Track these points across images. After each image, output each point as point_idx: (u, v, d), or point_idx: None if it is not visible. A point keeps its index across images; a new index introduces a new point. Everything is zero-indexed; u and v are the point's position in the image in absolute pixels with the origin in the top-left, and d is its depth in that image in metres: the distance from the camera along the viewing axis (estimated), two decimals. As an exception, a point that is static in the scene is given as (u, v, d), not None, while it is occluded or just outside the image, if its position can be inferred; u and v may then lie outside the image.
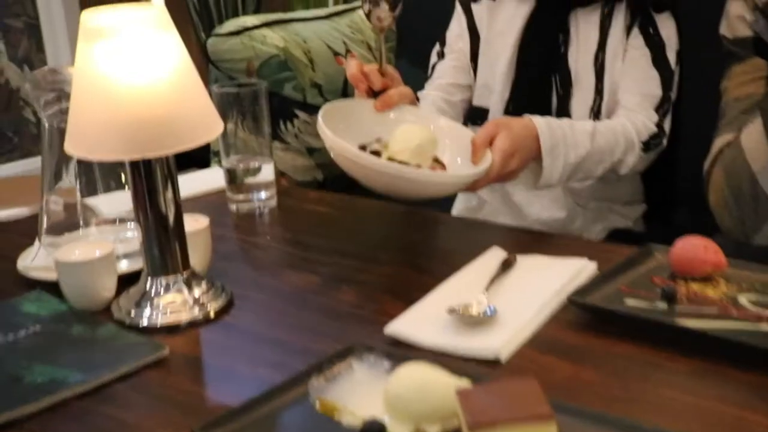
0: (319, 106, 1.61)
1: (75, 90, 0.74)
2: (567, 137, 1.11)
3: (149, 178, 0.78)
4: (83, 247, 0.86)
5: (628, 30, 1.21)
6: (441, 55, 1.34)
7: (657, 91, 1.20)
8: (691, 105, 1.27)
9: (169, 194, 0.79)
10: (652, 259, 0.89)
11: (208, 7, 2.02)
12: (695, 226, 0.98)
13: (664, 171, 1.29)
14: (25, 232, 1.05)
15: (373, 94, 1.10)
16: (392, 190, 0.98)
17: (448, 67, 1.33)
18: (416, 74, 1.36)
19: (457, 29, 1.33)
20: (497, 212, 1.29)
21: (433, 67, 1.35)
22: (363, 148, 1.02)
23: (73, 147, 0.75)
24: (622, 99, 1.21)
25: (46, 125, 0.90)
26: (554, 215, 1.26)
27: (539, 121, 1.10)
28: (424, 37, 1.44)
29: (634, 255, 0.90)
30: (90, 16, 0.73)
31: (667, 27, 1.22)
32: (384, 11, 1.09)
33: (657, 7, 1.21)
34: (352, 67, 1.10)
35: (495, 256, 0.93)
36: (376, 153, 1.00)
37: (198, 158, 1.24)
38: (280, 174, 1.59)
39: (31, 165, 3.60)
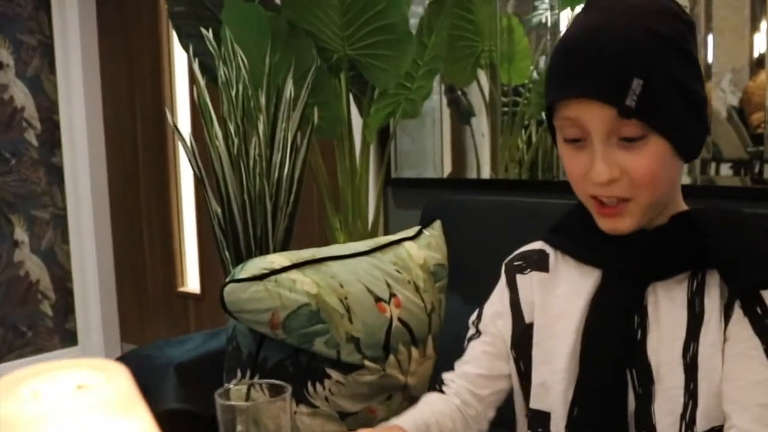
0: (356, 364, 1.35)
1: None
2: None
3: None
4: None
5: (726, 311, 0.92)
6: (476, 330, 1.09)
7: None
8: None
9: None
10: None
11: (235, 226, 1.80)
12: None
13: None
14: None
15: None
16: None
17: (479, 352, 1.08)
18: (469, 312, 1.12)
19: (497, 305, 1.08)
20: None
21: (468, 340, 1.10)
22: None
23: None
24: (732, 415, 0.90)
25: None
26: None
27: None
28: (480, 272, 1.19)
29: None
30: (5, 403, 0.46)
31: None
32: None
33: (763, 284, 0.92)
34: None
35: None
36: None
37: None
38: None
39: (44, 361, 3.36)
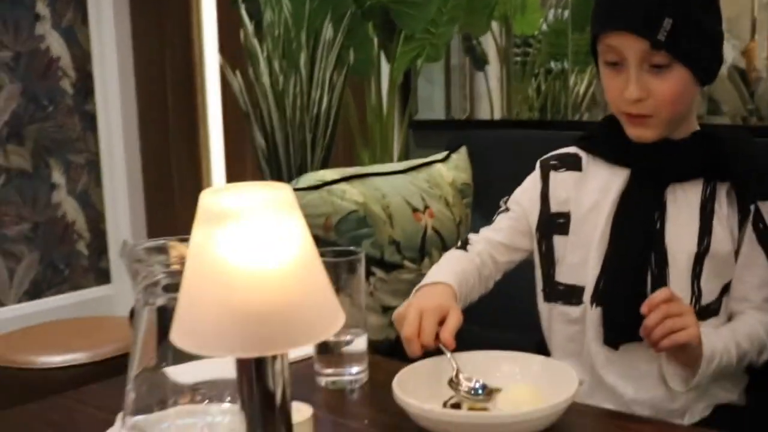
0: (396, 263, 1.56)
1: (189, 276, 0.68)
2: (727, 346, 1.09)
3: (260, 365, 0.70)
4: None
5: (740, 224, 1.16)
6: (505, 207, 1.30)
7: None
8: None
9: (279, 369, 0.70)
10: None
11: (278, 157, 2.01)
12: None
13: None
14: (103, 406, 0.97)
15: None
16: None
17: (505, 225, 1.29)
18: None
19: (529, 192, 1.29)
20: (592, 392, 1.19)
21: (497, 214, 1.31)
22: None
23: (180, 339, 0.68)
24: (748, 294, 1.17)
25: (141, 300, 0.84)
26: (653, 395, 1.16)
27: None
28: (500, 194, 1.40)
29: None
30: (211, 197, 0.67)
31: None
32: None
33: (764, 196, 1.16)
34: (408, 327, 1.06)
35: None
36: (456, 406, 0.97)
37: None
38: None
39: (79, 298, 3.58)
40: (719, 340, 1.10)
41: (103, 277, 3.71)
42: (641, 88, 1.12)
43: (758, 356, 1.14)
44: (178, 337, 0.69)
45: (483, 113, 2.56)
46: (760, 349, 1.14)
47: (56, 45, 3.43)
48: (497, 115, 2.52)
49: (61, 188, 3.52)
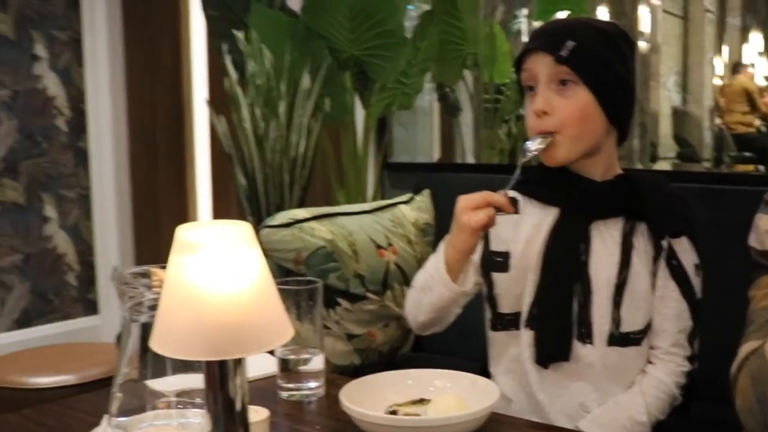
0: (360, 295, 1.72)
1: (165, 295, 0.84)
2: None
3: (223, 370, 0.85)
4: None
5: (654, 260, 1.31)
6: None
7: (688, 322, 1.31)
8: (712, 298, 1.36)
9: (239, 381, 0.86)
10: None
11: (257, 196, 2.17)
12: (714, 420, 1.03)
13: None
14: (91, 411, 1.12)
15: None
16: None
17: None
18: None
19: None
20: (525, 409, 1.33)
21: None
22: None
23: (158, 345, 0.84)
24: (658, 339, 1.32)
25: (127, 317, 1.00)
26: (576, 410, 1.31)
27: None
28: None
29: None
30: (184, 232, 0.83)
31: (686, 250, 1.32)
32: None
33: (674, 234, 1.32)
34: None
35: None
36: (393, 413, 1.13)
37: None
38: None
39: (68, 327, 3.71)
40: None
41: (91, 307, 3.85)
42: (546, 102, 1.28)
43: (670, 407, 1.31)
44: (156, 344, 0.85)
45: (455, 156, 2.73)
46: (671, 402, 1.31)
47: (52, 85, 3.61)
48: (469, 159, 2.69)
49: (53, 221, 3.67)
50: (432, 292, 1.35)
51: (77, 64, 3.68)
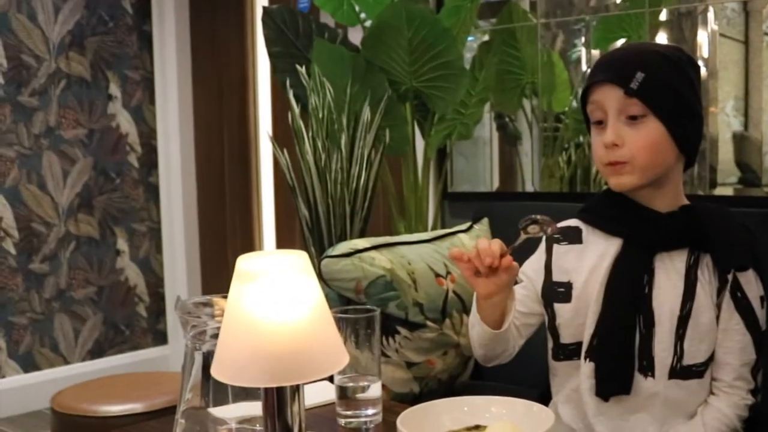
0: (420, 323, 1.73)
1: (225, 324, 0.87)
2: None
3: (280, 396, 0.88)
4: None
5: (718, 292, 1.30)
6: (518, 279, 1.44)
7: (752, 356, 1.29)
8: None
9: (296, 408, 0.89)
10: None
11: (320, 226, 2.21)
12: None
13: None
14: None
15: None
16: None
17: (520, 294, 1.41)
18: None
19: (534, 263, 1.44)
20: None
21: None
22: None
23: (219, 373, 0.87)
24: (721, 372, 1.31)
25: (190, 346, 1.04)
26: None
27: None
28: (518, 262, 1.56)
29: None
30: (244, 261, 0.87)
31: (751, 282, 1.30)
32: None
33: (740, 268, 1.30)
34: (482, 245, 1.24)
35: None
36: None
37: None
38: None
39: (138, 357, 3.81)
40: None
41: (160, 338, 3.94)
42: (616, 135, 1.27)
43: None
44: (217, 371, 0.88)
45: (516, 185, 2.73)
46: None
47: (125, 122, 3.75)
48: (528, 188, 2.69)
49: (124, 254, 3.79)
50: (474, 329, 1.37)
51: (149, 102, 3.81)
